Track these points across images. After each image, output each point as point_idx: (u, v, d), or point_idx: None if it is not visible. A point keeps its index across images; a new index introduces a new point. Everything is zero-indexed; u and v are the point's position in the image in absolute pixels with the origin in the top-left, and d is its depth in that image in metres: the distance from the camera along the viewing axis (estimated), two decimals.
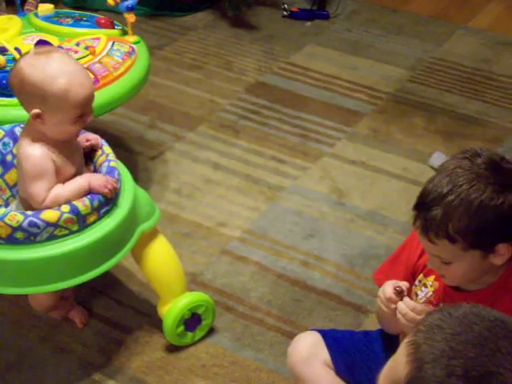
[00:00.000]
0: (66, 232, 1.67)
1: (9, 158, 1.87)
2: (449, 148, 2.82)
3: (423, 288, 1.51)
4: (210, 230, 2.42)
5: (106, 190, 1.69)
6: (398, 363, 0.94)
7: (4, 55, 2.17)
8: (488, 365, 0.87)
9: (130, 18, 2.41)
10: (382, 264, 1.69)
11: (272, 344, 2.02)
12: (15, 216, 1.61)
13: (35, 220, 1.62)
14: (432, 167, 2.72)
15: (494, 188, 1.30)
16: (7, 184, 1.88)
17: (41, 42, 2.14)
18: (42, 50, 1.69)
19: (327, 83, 3.25)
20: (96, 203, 1.69)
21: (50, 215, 1.63)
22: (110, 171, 1.76)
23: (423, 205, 1.35)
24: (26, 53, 1.72)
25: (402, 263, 1.58)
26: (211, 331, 2.04)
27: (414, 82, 3.28)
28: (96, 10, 3.38)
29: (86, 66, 2.23)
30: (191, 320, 1.97)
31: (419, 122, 3.00)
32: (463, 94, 3.20)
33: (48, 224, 1.63)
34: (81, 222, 1.68)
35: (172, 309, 1.93)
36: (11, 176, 1.88)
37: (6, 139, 1.86)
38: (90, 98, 1.69)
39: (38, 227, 1.63)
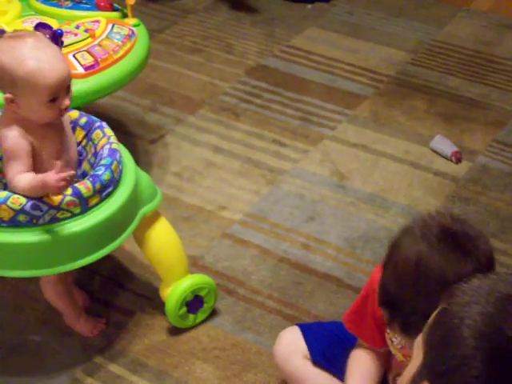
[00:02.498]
0: (69, 215, 1.66)
1: None
2: (450, 131, 2.82)
3: (396, 335, 1.47)
4: (210, 214, 2.41)
5: (60, 185, 1.58)
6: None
7: None
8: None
9: (130, 0, 2.40)
10: (350, 309, 1.64)
11: (273, 327, 2.02)
12: (18, 199, 1.61)
13: (38, 203, 1.62)
14: (433, 150, 2.71)
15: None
16: None
17: (40, 25, 2.13)
18: (15, 34, 1.67)
19: (328, 66, 3.24)
20: (98, 185, 1.68)
21: (52, 198, 1.63)
22: (112, 154, 1.76)
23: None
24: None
25: (368, 315, 1.54)
26: (212, 314, 2.05)
27: (416, 64, 3.27)
28: None
29: (85, 48, 2.22)
30: (193, 302, 1.98)
31: (420, 104, 2.99)
32: (465, 76, 3.18)
33: (50, 207, 1.63)
34: (83, 204, 1.67)
35: (174, 290, 1.93)
36: None
37: None
38: (61, 82, 1.64)
39: (41, 210, 1.62)
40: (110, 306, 2.07)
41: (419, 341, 1.01)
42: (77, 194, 1.65)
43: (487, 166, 2.66)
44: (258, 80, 3.12)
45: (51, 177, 1.57)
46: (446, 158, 2.68)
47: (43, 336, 1.99)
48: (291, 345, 1.70)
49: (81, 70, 2.17)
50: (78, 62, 2.18)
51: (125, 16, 2.46)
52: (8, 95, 1.64)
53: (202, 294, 1.98)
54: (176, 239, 1.96)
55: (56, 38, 2.04)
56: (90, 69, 2.18)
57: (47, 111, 1.67)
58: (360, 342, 1.60)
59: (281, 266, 2.23)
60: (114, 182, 1.74)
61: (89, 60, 2.19)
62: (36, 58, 1.62)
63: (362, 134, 2.81)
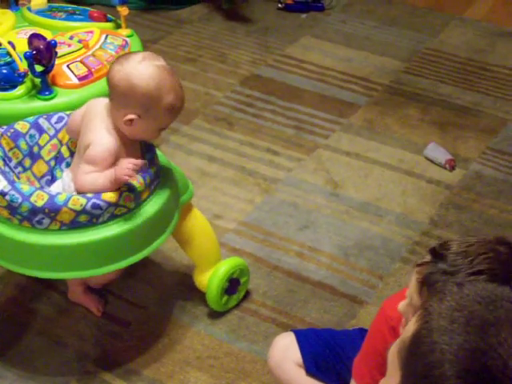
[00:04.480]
0: (125, 210, 1.71)
1: (35, 149, 1.87)
2: (444, 139, 2.83)
3: None
4: None
5: (130, 174, 1.66)
6: (409, 325, 0.97)
7: None
8: (488, 317, 0.91)
9: (123, 11, 2.42)
10: (360, 360, 1.56)
11: (267, 335, 2.03)
12: (78, 200, 1.64)
13: (98, 201, 1.65)
14: (427, 158, 2.72)
15: None
16: (35, 176, 1.88)
17: (34, 36, 2.14)
18: (151, 57, 1.73)
19: (322, 75, 3.25)
20: (148, 179, 1.74)
21: (111, 195, 1.67)
22: (150, 149, 1.81)
23: None
24: (132, 55, 1.75)
25: (378, 355, 1.48)
26: (206, 323, 2.05)
27: (409, 73, 3.28)
28: (89, 4, 3.38)
29: (79, 59, 2.24)
30: (232, 283, 2.06)
31: (414, 113, 3.01)
32: (458, 84, 3.20)
33: (110, 204, 1.67)
34: (137, 199, 1.72)
35: (215, 276, 2.01)
36: (39, 167, 1.89)
37: (32, 131, 1.86)
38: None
39: (101, 208, 1.66)
40: (103, 316, 2.07)
41: (394, 357, 0.97)
42: (131, 189, 1.70)
43: (481, 173, 2.67)
44: (252, 89, 3.14)
45: (123, 161, 1.65)
46: (439, 165, 2.69)
47: (38, 346, 1.99)
48: (285, 351, 1.70)
49: (75, 81, 2.18)
50: (72, 72, 2.20)
51: (118, 27, 2.47)
52: (131, 116, 1.68)
53: (237, 275, 2.06)
54: (209, 227, 2.04)
55: (50, 48, 2.06)
56: (84, 79, 2.19)
57: (157, 134, 1.76)
58: None
59: (275, 274, 2.23)
60: (158, 175, 1.79)
61: (83, 70, 2.20)
62: (175, 91, 1.70)
63: (356, 143, 2.82)
